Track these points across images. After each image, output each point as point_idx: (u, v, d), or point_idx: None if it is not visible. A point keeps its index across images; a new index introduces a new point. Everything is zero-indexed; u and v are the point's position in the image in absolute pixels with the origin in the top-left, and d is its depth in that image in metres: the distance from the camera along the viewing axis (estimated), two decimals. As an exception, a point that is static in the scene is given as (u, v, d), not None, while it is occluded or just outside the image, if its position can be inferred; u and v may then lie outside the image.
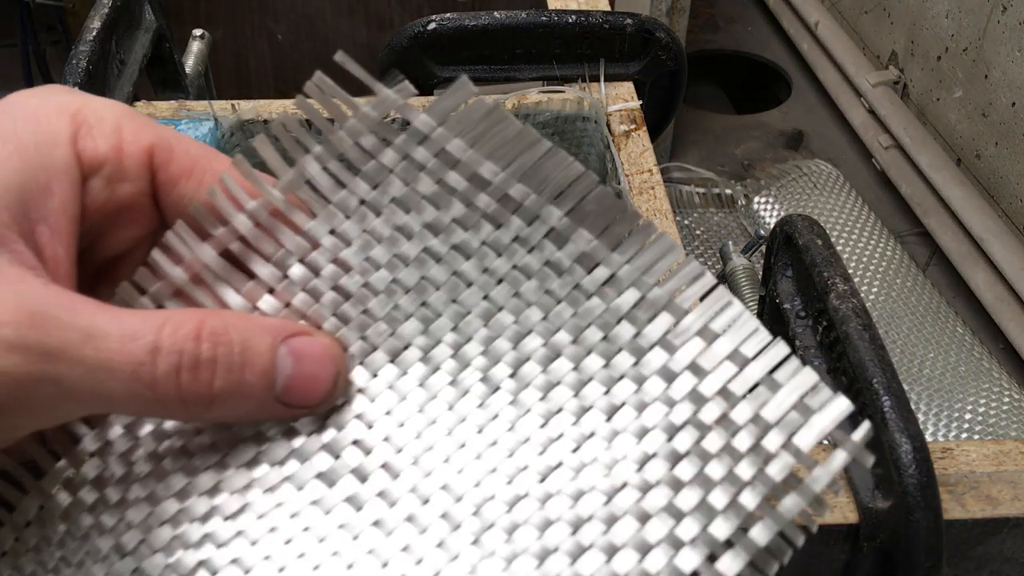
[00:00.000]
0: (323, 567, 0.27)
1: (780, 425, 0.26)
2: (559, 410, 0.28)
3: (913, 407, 0.37)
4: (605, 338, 0.28)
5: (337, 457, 0.28)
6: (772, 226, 0.46)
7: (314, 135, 0.29)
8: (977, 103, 1.02)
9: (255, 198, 0.29)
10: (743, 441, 0.27)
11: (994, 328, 0.97)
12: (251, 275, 0.29)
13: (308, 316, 0.29)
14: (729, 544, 0.26)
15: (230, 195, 0.29)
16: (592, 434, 0.28)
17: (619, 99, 0.60)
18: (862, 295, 0.41)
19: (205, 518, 0.28)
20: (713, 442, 0.27)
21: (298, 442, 0.28)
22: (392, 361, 0.29)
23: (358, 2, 1.16)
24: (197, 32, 0.75)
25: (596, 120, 0.59)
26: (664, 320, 0.28)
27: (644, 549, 0.26)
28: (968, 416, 0.85)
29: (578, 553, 0.26)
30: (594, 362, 0.28)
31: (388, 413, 0.29)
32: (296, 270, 0.29)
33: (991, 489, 0.39)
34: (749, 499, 0.26)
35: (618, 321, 0.28)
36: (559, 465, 0.27)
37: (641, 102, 0.60)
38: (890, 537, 0.37)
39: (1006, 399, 0.87)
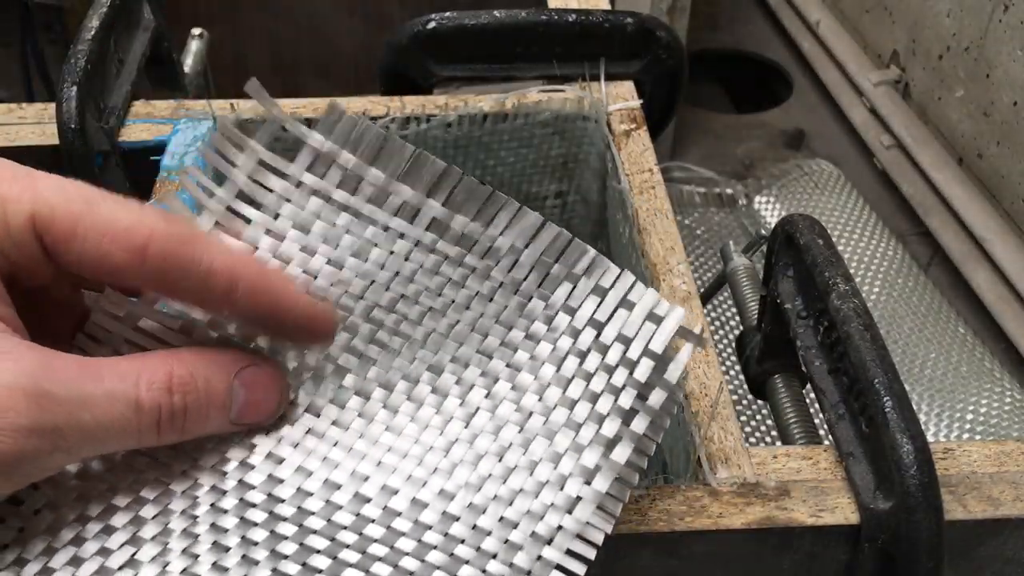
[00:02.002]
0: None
1: (639, 336, 0.33)
2: (476, 372, 0.34)
3: (914, 407, 0.37)
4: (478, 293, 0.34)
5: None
6: (773, 226, 0.46)
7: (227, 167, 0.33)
8: (979, 102, 1.02)
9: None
10: (613, 356, 0.33)
11: (996, 328, 0.97)
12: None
13: None
14: (618, 438, 0.33)
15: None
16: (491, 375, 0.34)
17: (619, 98, 0.60)
18: (863, 295, 0.41)
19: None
20: (592, 362, 0.33)
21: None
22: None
23: (358, 1, 1.16)
24: (196, 31, 0.75)
25: (596, 119, 0.59)
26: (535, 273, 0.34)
27: (556, 459, 0.33)
28: (970, 416, 0.85)
29: (505, 473, 0.33)
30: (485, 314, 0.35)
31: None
32: None
33: (992, 490, 0.38)
34: (626, 400, 0.33)
35: (500, 284, 0.34)
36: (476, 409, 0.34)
37: (641, 101, 0.60)
38: (891, 538, 0.37)
39: (1007, 399, 0.86)
